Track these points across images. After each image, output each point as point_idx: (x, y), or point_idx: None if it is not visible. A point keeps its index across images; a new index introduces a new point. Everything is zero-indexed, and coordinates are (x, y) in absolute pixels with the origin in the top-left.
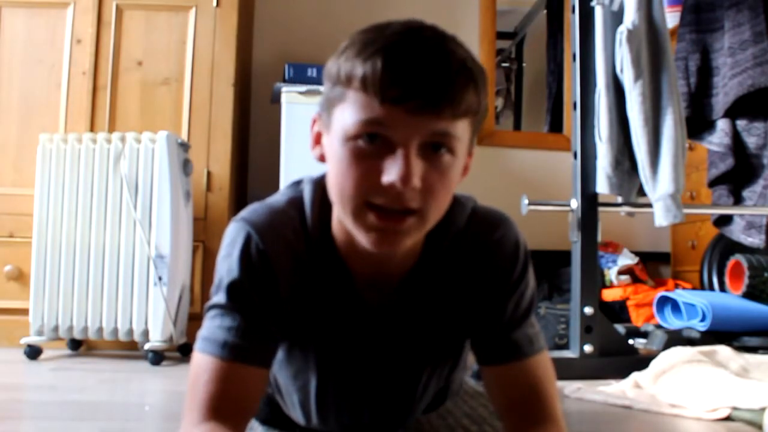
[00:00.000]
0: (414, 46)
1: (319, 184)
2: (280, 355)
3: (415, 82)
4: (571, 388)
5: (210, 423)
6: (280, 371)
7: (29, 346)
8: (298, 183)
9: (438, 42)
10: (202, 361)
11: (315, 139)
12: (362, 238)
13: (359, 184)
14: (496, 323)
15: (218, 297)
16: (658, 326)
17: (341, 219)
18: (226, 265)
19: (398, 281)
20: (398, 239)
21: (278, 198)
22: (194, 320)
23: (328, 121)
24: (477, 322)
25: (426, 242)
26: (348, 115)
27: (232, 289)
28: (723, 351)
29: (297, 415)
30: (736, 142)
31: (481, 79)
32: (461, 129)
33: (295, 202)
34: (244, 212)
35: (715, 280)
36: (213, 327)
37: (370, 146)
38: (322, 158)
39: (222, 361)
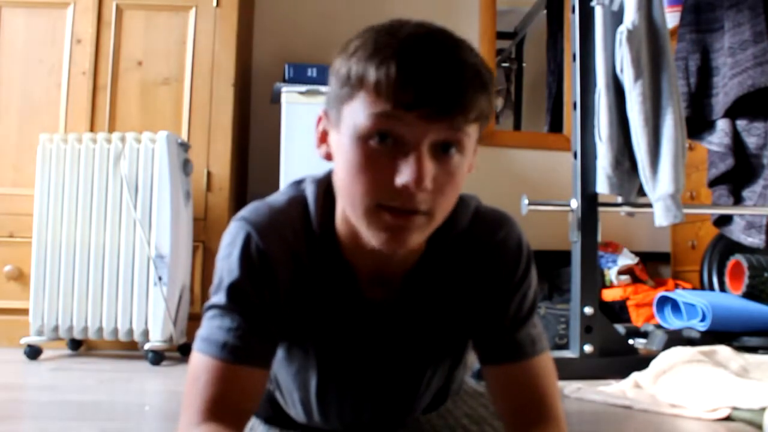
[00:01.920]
0: (427, 51)
1: (322, 184)
2: (280, 353)
3: (428, 88)
4: (571, 388)
5: (208, 424)
6: (280, 369)
7: (29, 346)
8: (299, 182)
9: (451, 47)
10: (201, 362)
11: (321, 137)
12: (372, 238)
13: (371, 185)
14: (499, 323)
15: (218, 297)
16: (658, 326)
17: (351, 219)
18: (227, 265)
19: (401, 279)
20: (407, 237)
21: (279, 197)
22: (194, 320)
23: (337, 119)
24: (479, 322)
25: (428, 240)
26: (360, 114)
27: (232, 289)
28: (723, 351)
29: (298, 413)
30: (736, 142)
31: (491, 85)
32: (472, 129)
33: (297, 201)
34: (245, 211)
35: (715, 280)
36: (212, 327)
37: (381, 147)
38: (328, 157)
39: (221, 362)
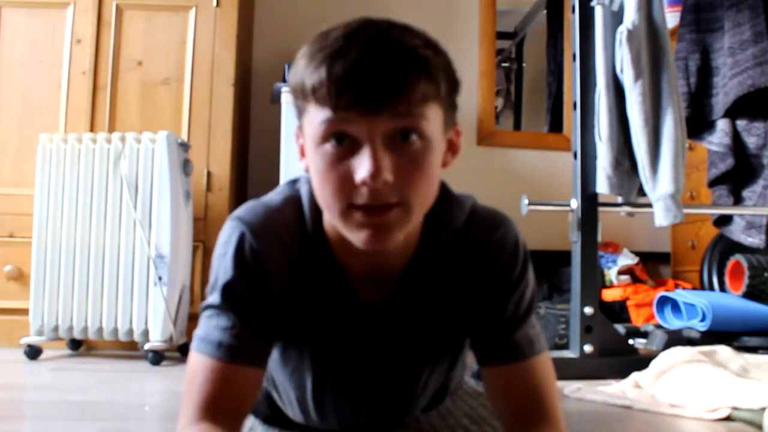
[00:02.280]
0: (356, 49)
1: None
2: (275, 353)
3: (361, 86)
4: (571, 388)
5: (204, 423)
6: (276, 369)
7: (29, 346)
8: (294, 182)
9: (380, 38)
10: (198, 361)
11: (300, 151)
12: (354, 238)
13: (337, 188)
14: (496, 323)
15: (213, 297)
16: (658, 326)
17: (333, 222)
18: (221, 265)
19: (394, 279)
20: (388, 233)
21: (275, 197)
22: (194, 320)
23: (302, 131)
24: (476, 322)
25: (421, 239)
26: (312, 122)
27: (227, 289)
28: (723, 351)
29: (295, 412)
30: (736, 142)
31: (435, 63)
32: (427, 114)
33: (292, 200)
34: (240, 210)
35: (715, 280)
36: (209, 327)
37: (339, 149)
38: (307, 169)
39: (217, 361)
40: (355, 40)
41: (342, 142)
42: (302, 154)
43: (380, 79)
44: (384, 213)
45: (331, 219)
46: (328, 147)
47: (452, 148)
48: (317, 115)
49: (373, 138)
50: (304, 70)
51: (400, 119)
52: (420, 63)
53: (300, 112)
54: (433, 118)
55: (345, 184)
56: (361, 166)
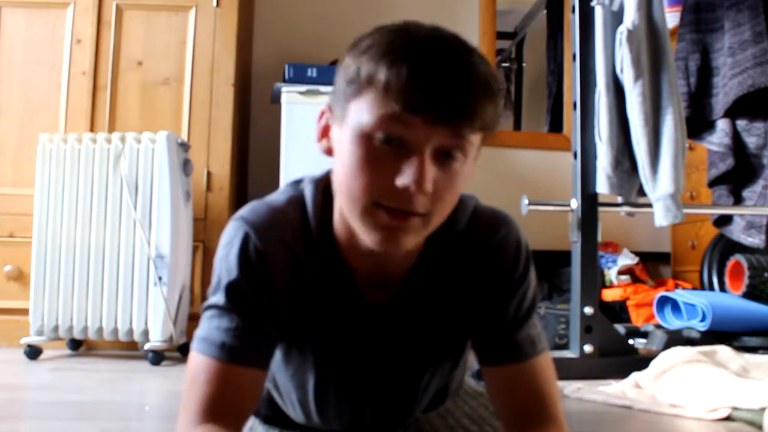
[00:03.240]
0: (439, 56)
1: (320, 184)
2: (278, 354)
3: (437, 93)
4: (571, 388)
5: (206, 426)
6: (278, 370)
7: (29, 346)
8: (298, 182)
9: (463, 55)
10: (200, 362)
11: (322, 131)
12: (367, 236)
13: (371, 183)
14: (498, 323)
15: (216, 297)
16: (658, 326)
17: (347, 217)
18: (225, 265)
19: (399, 281)
20: (402, 238)
21: (278, 197)
22: (194, 320)
23: (341, 114)
24: (479, 322)
25: (426, 242)
26: (366, 112)
27: (231, 289)
28: (723, 351)
29: (296, 413)
30: (736, 142)
31: (499, 96)
32: (475, 138)
33: (296, 201)
34: (243, 211)
35: (715, 280)
36: (211, 327)
37: (385, 146)
38: (329, 151)
39: (219, 363)
40: (443, 48)
41: (390, 141)
42: (324, 134)
43: (456, 93)
44: (407, 218)
45: (348, 212)
46: (376, 142)
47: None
48: (378, 107)
49: (425, 148)
50: (378, 59)
51: (456, 138)
52: (493, 92)
53: (346, 96)
54: (475, 144)
55: (380, 182)
56: (408, 172)
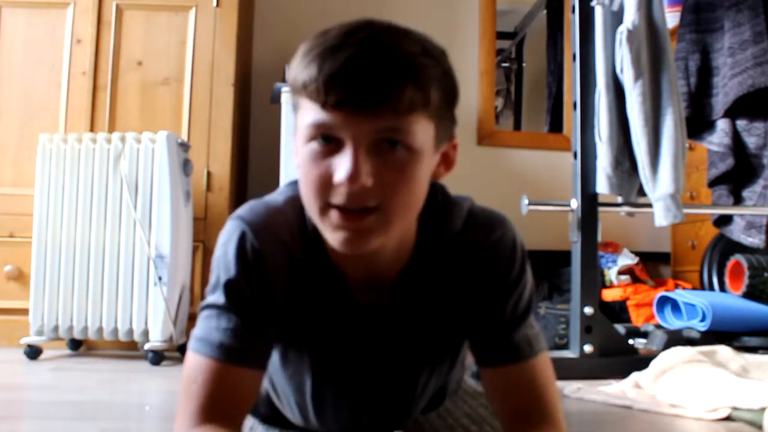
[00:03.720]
0: (349, 49)
1: None
2: (275, 356)
3: (349, 86)
4: (571, 388)
5: (204, 427)
6: (276, 372)
7: (29, 346)
8: (296, 182)
9: (375, 41)
10: (197, 362)
11: (296, 148)
12: (330, 239)
13: (318, 184)
14: (495, 324)
15: (214, 297)
16: (658, 326)
17: (314, 221)
18: (222, 264)
19: (392, 282)
20: (364, 239)
21: (276, 197)
22: (194, 320)
23: (295, 127)
24: (475, 323)
25: (417, 243)
26: (302, 120)
27: (229, 288)
28: (723, 351)
29: (294, 415)
30: (736, 142)
31: (429, 72)
32: (415, 125)
33: (293, 201)
34: (241, 210)
35: (715, 280)
36: (209, 327)
37: (324, 147)
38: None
39: (217, 363)
40: (350, 40)
41: (328, 142)
42: (297, 151)
43: (368, 81)
44: (360, 218)
45: (313, 218)
46: (314, 145)
47: (446, 162)
48: (307, 113)
49: (357, 141)
50: (298, 66)
51: (385, 124)
52: (411, 70)
53: (294, 109)
54: (422, 130)
55: (324, 183)
56: (341, 167)
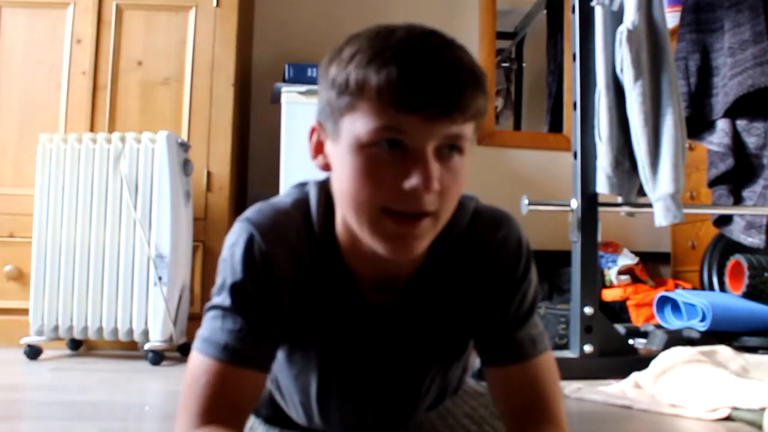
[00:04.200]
0: (424, 53)
1: (324, 187)
2: (281, 355)
3: (428, 90)
4: (571, 388)
5: (206, 428)
6: (281, 371)
7: (29, 346)
8: (303, 185)
9: (446, 48)
10: (201, 363)
11: (316, 148)
12: (379, 247)
13: (378, 191)
14: (500, 323)
15: (221, 298)
16: (658, 326)
17: (353, 227)
18: (229, 266)
19: (403, 284)
20: (415, 244)
21: (284, 199)
22: (194, 320)
23: (334, 129)
24: (480, 322)
25: (432, 244)
26: (362, 123)
27: (235, 290)
28: (723, 351)
29: (298, 415)
30: (736, 142)
31: (486, 83)
32: (469, 129)
33: (301, 204)
34: (249, 212)
35: (715, 280)
36: (214, 328)
37: (387, 152)
38: (326, 167)
39: (221, 364)
40: (425, 45)
41: (391, 146)
42: (318, 150)
43: (447, 87)
44: (415, 223)
45: (355, 223)
46: (377, 149)
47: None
48: (374, 114)
49: (426, 147)
50: (366, 66)
51: (454, 132)
52: (480, 79)
53: (338, 110)
54: (470, 137)
55: (385, 188)
56: (415, 173)
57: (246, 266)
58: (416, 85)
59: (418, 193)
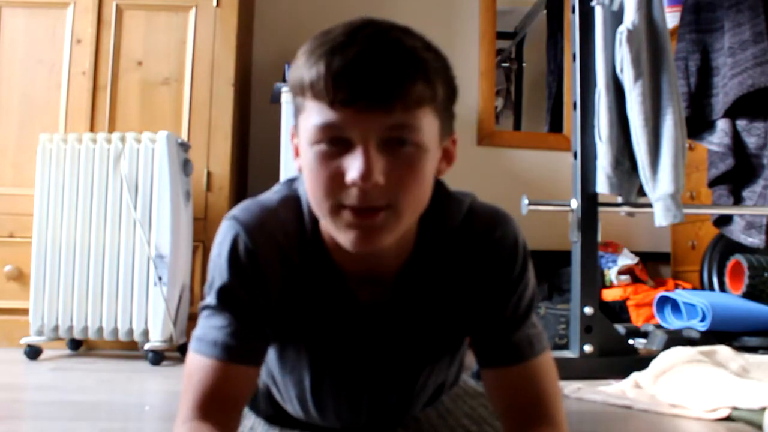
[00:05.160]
0: (356, 46)
1: None
2: (273, 351)
3: (359, 82)
4: (571, 388)
5: (197, 421)
6: (275, 366)
7: (29, 346)
8: (292, 180)
9: (381, 37)
10: (195, 361)
11: (295, 150)
12: (342, 239)
13: (328, 186)
14: (495, 324)
15: (210, 298)
16: (658, 326)
17: (323, 223)
18: (217, 265)
19: (392, 279)
20: (376, 236)
21: (272, 196)
22: (194, 320)
23: (296, 131)
24: (476, 322)
25: (418, 239)
26: (308, 122)
27: (223, 290)
28: (723, 351)
29: (295, 409)
30: (736, 142)
31: (433, 67)
32: (423, 120)
33: (289, 200)
34: (235, 210)
35: (715, 280)
36: (206, 327)
37: (332, 148)
38: (301, 168)
39: (213, 360)
40: (356, 37)
41: (335, 142)
42: (297, 153)
43: (378, 76)
44: (372, 216)
45: (321, 218)
46: (322, 146)
47: (447, 157)
48: (313, 115)
49: (367, 139)
50: (302, 66)
51: (395, 120)
52: (419, 65)
53: (297, 111)
54: (428, 125)
55: (335, 183)
56: (353, 167)
57: (232, 265)
58: (346, 78)
59: (358, 186)
